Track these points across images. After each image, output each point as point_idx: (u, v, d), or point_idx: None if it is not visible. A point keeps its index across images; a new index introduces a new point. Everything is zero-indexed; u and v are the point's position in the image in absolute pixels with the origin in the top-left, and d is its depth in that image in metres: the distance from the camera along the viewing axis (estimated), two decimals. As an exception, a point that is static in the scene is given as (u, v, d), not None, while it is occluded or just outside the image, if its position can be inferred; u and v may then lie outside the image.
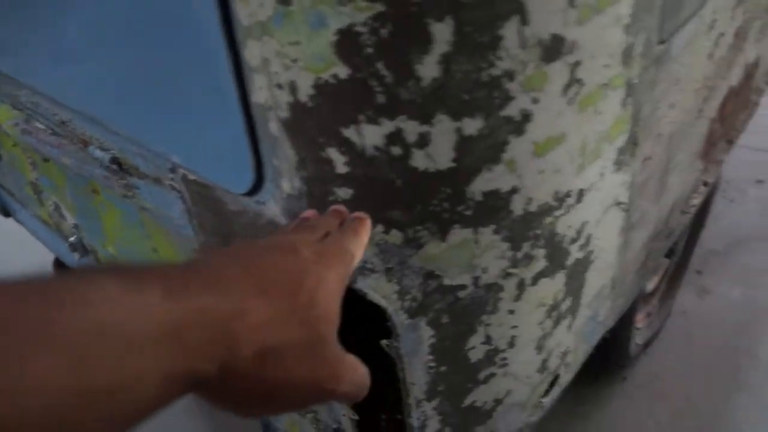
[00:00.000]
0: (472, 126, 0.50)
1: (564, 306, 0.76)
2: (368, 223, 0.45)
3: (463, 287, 0.60)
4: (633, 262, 1.00)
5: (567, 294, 0.75)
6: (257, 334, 0.30)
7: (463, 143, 0.50)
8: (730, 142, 1.26)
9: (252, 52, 0.49)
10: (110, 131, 0.75)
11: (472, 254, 0.58)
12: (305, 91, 0.49)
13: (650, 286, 1.59)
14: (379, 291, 0.59)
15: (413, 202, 0.54)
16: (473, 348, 0.66)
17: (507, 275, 0.62)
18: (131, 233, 1.00)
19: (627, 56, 0.62)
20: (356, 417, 0.83)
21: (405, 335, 0.62)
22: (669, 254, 1.53)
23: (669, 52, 0.74)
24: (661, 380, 1.65)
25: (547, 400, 0.90)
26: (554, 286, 0.71)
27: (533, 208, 0.59)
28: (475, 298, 0.62)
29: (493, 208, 0.56)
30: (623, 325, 1.34)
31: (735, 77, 1.13)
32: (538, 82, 0.51)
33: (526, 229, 0.60)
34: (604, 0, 0.54)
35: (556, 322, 0.76)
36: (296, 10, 0.45)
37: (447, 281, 0.59)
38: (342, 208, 0.48)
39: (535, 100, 0.52)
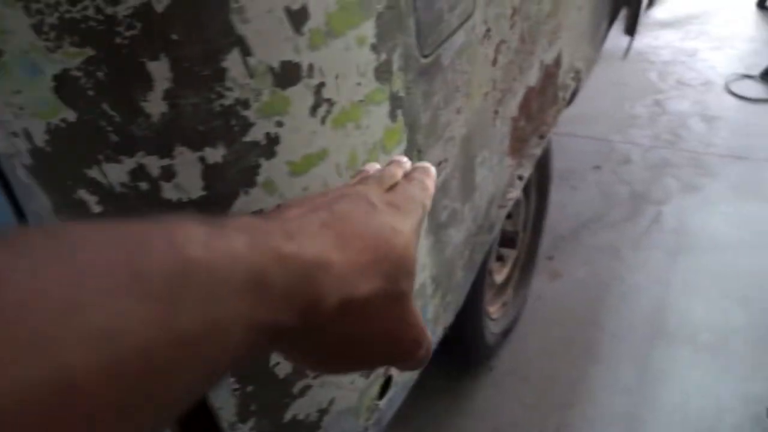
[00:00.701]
0: (215, 155, 0.52)
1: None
2: (433, 171, 0.43)
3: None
4: (456, 258, 1.07)
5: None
6: (340, 286, 0.29)
7: (210, 171, 0.53)
8: (542, 137, 1.37)
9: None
10: None
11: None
12: (40, 137, 0.49)
13: (500, 277, 1.69)
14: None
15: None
16: (277, 364, 0.68)
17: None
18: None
19: (383, 72, 0.67)
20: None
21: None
22: (512, 245, 1.64)
23: (439, 64, 0.81)
24: (525, 364, 1.75)
25: (384, 401, 0.94)
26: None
27: (307, 223, 0.62)
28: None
29: (262, 229, 0.59)
30: (473, 317, 1.42)
31: (533, 78, 1.24)
32: (279, 107, 0.54)
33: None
34: (339, 25, 0.58)
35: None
36: (9, 60, 0.45)
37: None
38: (403, 158, 0.45)
39: (280, 124, 0.55)
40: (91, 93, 0.47)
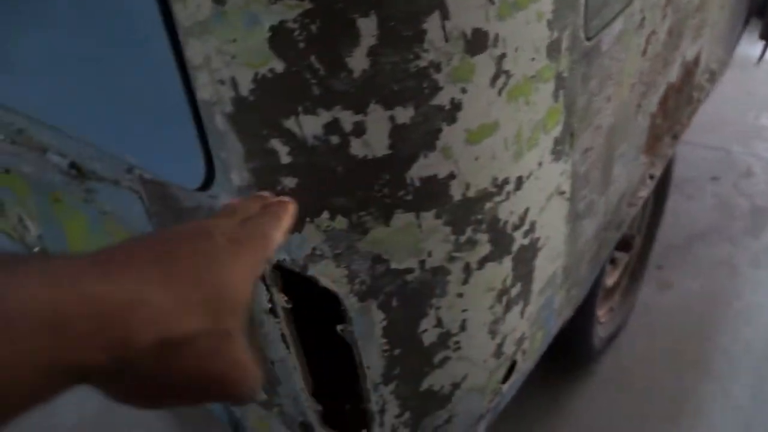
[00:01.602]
0: (404, 115, 0.53)
1: (514, 291, 0.79)
2: (291, 206, 0.45)
3: (410, 270, 0.64)
4: (585, 251, 1.04)
5: (516, 279, 0.79)
6: (155, 325, 0.29)
7: (397, 131, 0.54)
8: (675, 137, 1.32)
9: (194, 51, 0.52)
10: (66, 136, 0.78)
11: (416, 238, 0.62)
12: (246, 86, 0.52)
13: (611, 281, 1.64)
14: (329, 276, 0.62)
15: (355, 188, 0.57)
16: (425, 331, 0.70)
17: (452, 259, 0.66)
18: (95, 239, 1.02)
19: (553, 50, 0.66)
20: (320, 408, 0.85)
21: (357, 319, 0.65)
22: (627, 249, 1.58)
23: (599, 48, 0.79)
24: (627, 373, 1.69)
25: (507, 387, 0.93)
26: (501, 271, 0.74)
27: (472, 193, 0.63)
28: (423, 282, 0.65)
29: (433, 193, 0.60)
30: (585, 317, 1.39)
31: (673, 74, 1.19)
32: (464, 73, 0.55)
33: (467, 213, 0.64)
34: (524, -4, 0.58)
35: (507, 308, 0.80)
36: (230, 9, 0.49)
37: (394, 265, 0.63)
38: (266, 193, 0.48)
39: (464, 90, 0.56)
40: (301, 45, 0.49)
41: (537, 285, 0.87)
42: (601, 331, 1.60)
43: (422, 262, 0.64)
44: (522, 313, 0.86)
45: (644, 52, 0.96)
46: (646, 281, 1.90)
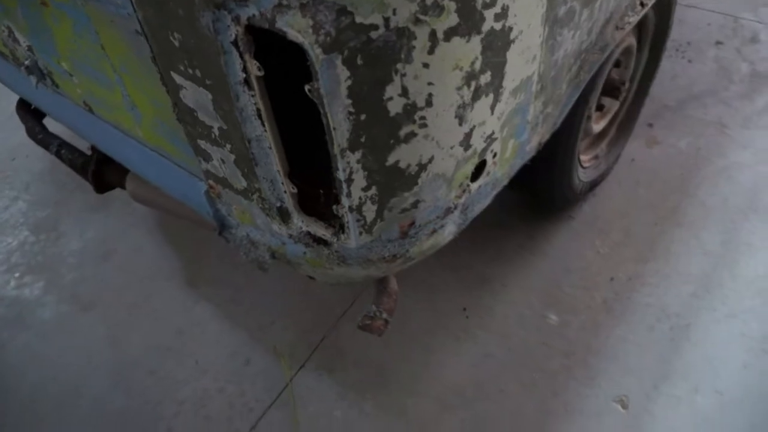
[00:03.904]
0: None
1: (483, 79, 0.82)
2: None
3: (374, 27, 0.65)
4: (564, 66, 1.05)
5: (485, 66, 0.80)
6: None
7: None
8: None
9: None
10: None
11: (381, -9, 0.63)
12: None
13: (597, 127, 1.66)
14: (295, 26, 0.64)
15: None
16: (391, 99, 0.72)
17: (417, 21, 0.67)
18: (82, 41, 1.03)
19: None
20: (295, 190, 0.91)
21: (323, 73, 0.67)
22: (615, 95, 1.59)
23: None
24: (604, 219, 1.76)
25: (476, 187, 0.98)
26: (469, 49, 0.76)
27: (438, -52, 0.63)
28: (388, 42, 0.67)
29: (397, -60, 0.60)
30: (566, 153, 1.42)
31: None
32: None
33: (433, -29, 0.65)
34: None
35: (476, 94, 0.82)
36: None
37: (359, 19, 0.64)
38: None
39: None
40: None
41: (509, 82, 0.89)
42: (582, 175, 1.65)
43: (387, 20, 0.65)
44: (492, 108, 0.88)
45: None
46: (635, 136, 1.92)
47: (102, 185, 1.56)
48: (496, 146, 0.96)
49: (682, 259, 1.62)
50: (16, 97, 1.67)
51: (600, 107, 1.63)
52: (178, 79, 0.87)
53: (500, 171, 1.04)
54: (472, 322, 1.57)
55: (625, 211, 1.76)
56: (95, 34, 0.98)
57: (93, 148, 1.50)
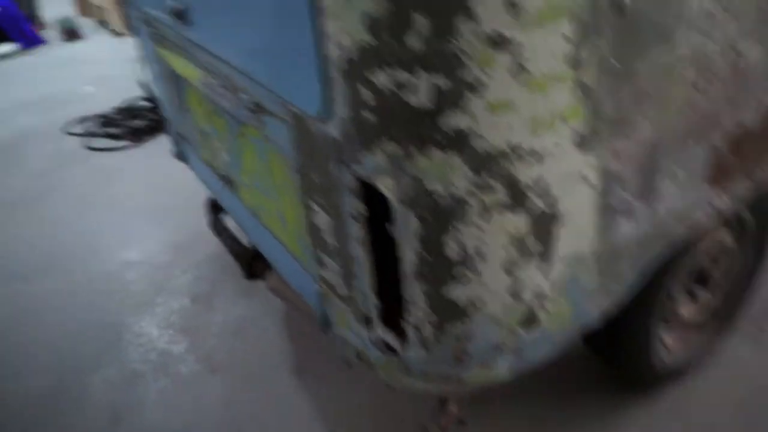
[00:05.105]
0: (442, 81, 0.84)
1: (530, 243, 1.04)
2: None
3: (438, 193, 0.94)
4: (624, 250, 1.23)
5: (532, 234, 1.03)
6: None
7: (436, 91, 0.85)
8: (754, 181, 1.42)
9: (329, 27, 0.88)
10: (252, 80, 1.19)
11: (444, 170, 0.92)
12: (352, 51, 0.87)
13: (687, 312, 1.74)
14: (386, 186, 0.95)
15: (408, 126, 0.89)
16: (449, 245, 0.98)
17: (471, 194, 0.94)
18: (259, 164, 1.44)
19: (574, 61, 0.92)
20: (380, 304, 1.16)
21: (400, 220, 0.96)
22: (704, 282, 1.67)
23: (632, 72, 1.02)
24: (686, 413, 1.75)
25: (526, 334, 1.16)
26: (516, 220, 1.00)
27: (489, 149, 0.91)
28: (448, 205, 0.95)
29: (459, 141, 0.90)
30: (642, 329, 1.53)
31: (747, 117, 1.32)
32: (486, 61, 0.85)
33: (485, 163, 0.92)
34: (544, 17, 0.86)
35: (523, 255, 1.04)
36: (354, 3, 0.84)
37: (428, 186, 0.93)
38: None
39: (486, 73, 0.85)
40: (384, 29, 0.82)
41: (559, 252, 1.09)
42: (666, 357, 1.71)
43: (448, 190, 0.93)
44: (541, 270, 1.09)
45: (695, 86, 1.15)
46: (741, 335, 1.93)
47: (251, 274, 1.95)
48: (548, 304, 1.15)
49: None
50: (208, 193, 2.18)
51: (690, 292, 1.72)
52: (313, 205, 1.21)
53: (555, 327, 1.21)
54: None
55: (712, 411, 1.75)
56: (269, 163, 1.38)
57: (251, 244, 1.91)
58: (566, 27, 0.88)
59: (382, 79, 0.86)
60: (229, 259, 2.13)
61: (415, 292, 1.05)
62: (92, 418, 2.02)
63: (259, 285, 2.04)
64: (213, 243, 2.74)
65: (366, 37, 0.84)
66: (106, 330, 2.38)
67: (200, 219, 2.84)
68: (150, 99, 4.16)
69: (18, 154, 4.02)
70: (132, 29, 2.13)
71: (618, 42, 0.97)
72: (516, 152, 0.93)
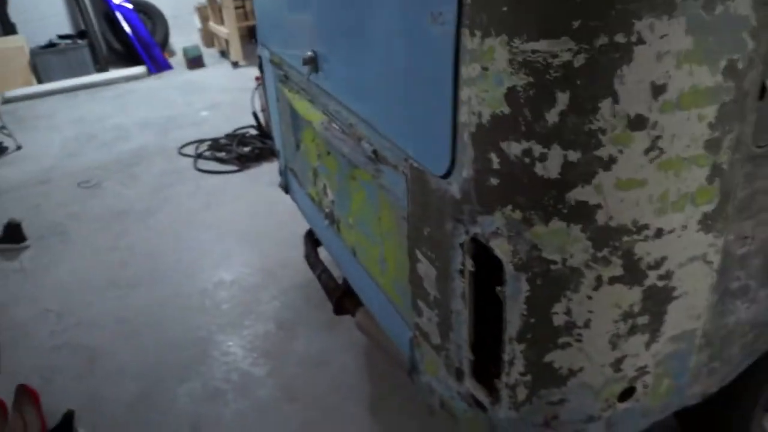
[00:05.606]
0: (574, 155, 0.86)
1: (640, 320, 1.02)
2: None
3: (554, 262, 0.94)
4: (736, 332, 1.18)
5: (644, 310, 1.01)
6: None
7: (567, 165, 0.86)
8: None
9: (464, 93, 0.92)
10: (375, 132, 1.25)
11: (564, 241, 0.92)
12: (486, 118, 0.90)
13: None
14: (501, 249, 0.96)
15: (532, 194, 0.90)
16: (556, 313, 0.98)
17: (588, 266, 0.94)
18: (367, 208, 1.49)
19: (713, 145, 0.91)
20: (473, 358, 1.17)
21: (511, 283, 0.97)
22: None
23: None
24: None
25: (622, 406, 1.13)
26: (630, 295, 0.99)
27: (613, 224, 0.91)
28: (562, 274, 0.95)
29: (582, 214, 0.90)
30: (739, 413, 1.45)
31: None
32: (623, 140, 0.85)
33: (607, 238, 0.92)
34: (687, 102, 0.86)
35: (631, 330, 1.03)
36: (489, 73, 0.87)
37: (544, 254, 0.94)
38: None
39: (621, 152, 0.85)
40: (522, 100, 0.85)
41: (668, 329, 1.06)
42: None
43: (564, 260, 0.93)
44: (647, 345, 1.07)
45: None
46: None
47: (340, 309, 1.99)
48: (648, 379, 1.12)
49: None
50: (307, 226, 2.26)
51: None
52: (419, 255, 1.23)
53: (651, 402, 1.18)
54: None
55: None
56: (378, 208, 1.43)
57: (344, 280, 1.96)
58: (709, 111, 0.88)
59: (513, 147, 0.88)
60: (314, 290, 2.19)
61: (515, 354, 1.04)
62: (174, 428, 2.10)
63: (343, 320, 2.08)
64: (301, 273, 2.83)
65: (504, 108, 0.87)
66: (195, 345, 2.49)
67: (290, 247, 2.96)
68: (258, 129, 4.38)
69: (135, 169, 4.32)
70: (259, 67, 2.27)
71: (759, 126, 0.95)
72: (639, 230, 0.92)
